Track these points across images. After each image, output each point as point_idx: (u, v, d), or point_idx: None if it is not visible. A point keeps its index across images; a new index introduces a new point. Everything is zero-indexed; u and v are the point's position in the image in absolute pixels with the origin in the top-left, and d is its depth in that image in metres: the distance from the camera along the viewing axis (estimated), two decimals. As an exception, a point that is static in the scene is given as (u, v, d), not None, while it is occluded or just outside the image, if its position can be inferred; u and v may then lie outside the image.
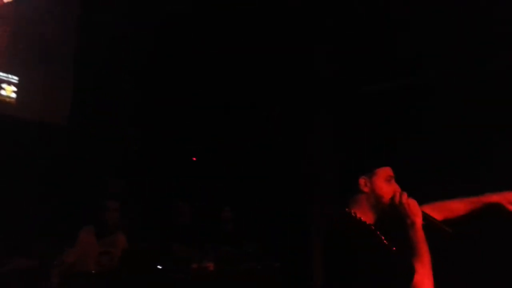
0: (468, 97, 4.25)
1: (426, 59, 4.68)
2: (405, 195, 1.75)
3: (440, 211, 1.88)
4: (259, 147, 5.83)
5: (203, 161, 6.16)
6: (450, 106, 4.42)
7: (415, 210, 1.72)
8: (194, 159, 6.26)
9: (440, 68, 4.65)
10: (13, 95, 4.85)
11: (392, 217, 1.78)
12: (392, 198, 1.76)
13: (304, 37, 5.25)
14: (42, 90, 5.04)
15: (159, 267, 3.89)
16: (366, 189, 1.78)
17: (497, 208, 1.87)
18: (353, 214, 1.77)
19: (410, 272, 1.63)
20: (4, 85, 4.79)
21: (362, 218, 1.77)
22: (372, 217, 1.79)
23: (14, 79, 4.87)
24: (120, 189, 4.89)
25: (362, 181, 1.78)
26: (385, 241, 1.73)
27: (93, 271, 3.71)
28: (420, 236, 1.69)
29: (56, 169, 4.89)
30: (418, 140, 4.53)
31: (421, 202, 1.79)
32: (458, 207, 1.92)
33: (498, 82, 4.17)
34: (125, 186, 5.00)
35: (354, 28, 4.95)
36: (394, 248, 1.72)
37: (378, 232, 1.76)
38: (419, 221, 1.71)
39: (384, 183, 1.79)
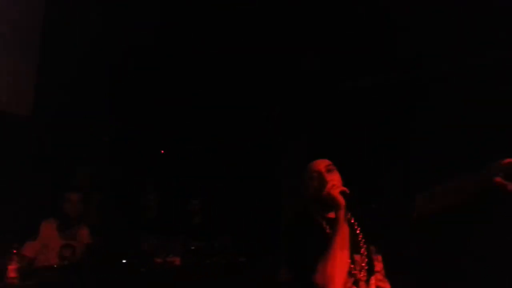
0: (462, 94, 4.24)
1: (415, 54, 4.66)
2: (334, 187, 1.81)
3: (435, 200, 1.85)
4: (230, 140, 5.80)
5: (172, 153, 6.09)
6: (444, 103, 4.40)
7: (340, 203, 1.76)
8: (162, 151, 6.19)
9: (433, 63, 4.64)
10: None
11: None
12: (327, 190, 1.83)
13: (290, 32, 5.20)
14: (5, 79, 4.87)
15: (123, 261, 3.83)
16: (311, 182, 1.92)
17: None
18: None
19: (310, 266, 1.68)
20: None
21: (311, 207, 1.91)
22: (322, 207, 1.90)
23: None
24: (88, 181, 4.80)
25: (285, 181, 1.99)
26: (327, 231, 1.82)
27: (55, 265, 3.64)
28: (338, 229, 1.74)
29: (23, 161, 4.76)
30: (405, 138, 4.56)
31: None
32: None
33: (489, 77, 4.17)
34: (93, 177, 4.90)
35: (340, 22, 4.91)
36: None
37: (324, 222, 1.87)
38: (341, 214, 1.76)
39: (312, 180, 1.91)
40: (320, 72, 5.35)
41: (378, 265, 1.84)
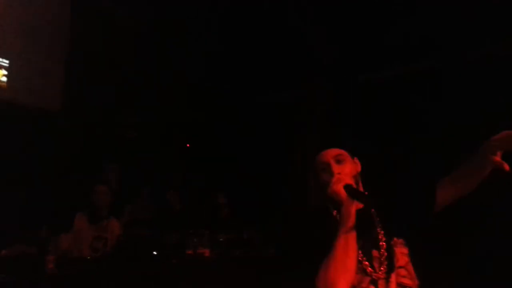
0: (474, 85, 4.17)
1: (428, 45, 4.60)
2: (338, 181, 1.61)
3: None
4: (255, 133, 5.83)
5: (198, 147, 6.14)
6: (455, 96, 4.34)
7: (341, 199, 1.58)
8: (188, 145, 6.24)
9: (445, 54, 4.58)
10: (4, 79, 4.76)
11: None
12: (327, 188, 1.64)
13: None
14: (33, 73, 4.95)
15: (154, 253, 3.88)
16: (321, 175, 1.73)
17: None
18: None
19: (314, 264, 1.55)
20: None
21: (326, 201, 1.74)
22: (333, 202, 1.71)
23: (5, 62, 4.78)
24: (116, 175, 4.87)
25: (310, 174, 1.82)
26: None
27: (88, 257, 3.72)
28: (341, 229, 1.56)
29: (53, 156, 4.85)
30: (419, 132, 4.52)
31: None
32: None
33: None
34: (120, 171, 4.97)
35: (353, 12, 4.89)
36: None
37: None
38: (344, 211, 1.58)
39: (319, 174, 1.73)
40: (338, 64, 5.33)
41: (402, 260, 1.63)
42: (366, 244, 1.62)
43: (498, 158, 1.43)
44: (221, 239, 4.37)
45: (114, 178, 4.83)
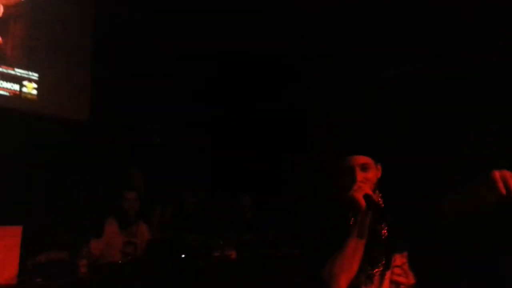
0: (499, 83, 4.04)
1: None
2: (359, 189, 1.68)
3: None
4: (279, 134, 5.87)
5: (221, 150, 6.23)
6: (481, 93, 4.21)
7: (360, 207, 1.65)
8: (212, 148, 6.34)
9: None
10: (34, 92, 4.96)
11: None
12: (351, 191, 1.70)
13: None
14: (61, 85, 5.14)
15: (182, 256, 3.98)
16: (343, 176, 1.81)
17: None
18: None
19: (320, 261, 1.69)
20: (25, 82, 4.90)
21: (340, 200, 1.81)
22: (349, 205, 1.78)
23: (34, 76, 4.97)
24: (142, 180, 5.00)
25: (329, 171, 1.90)
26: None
27: (119, 261, 3.84)
28: (354, 233, 1.68)
29: (80, 163, 5.02)
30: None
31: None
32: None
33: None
34: (146, 177, 5.10)
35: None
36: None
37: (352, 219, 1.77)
38: (360, 218, 1.70)
39: (341, 175, 1.80)
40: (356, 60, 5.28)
41: (399, 260, 1.78)
42: (368, 242, 1.72)
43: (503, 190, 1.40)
44: (246, 240, 4.45)
45: (141, 184, 4.97)
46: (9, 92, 4.76)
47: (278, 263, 4.27)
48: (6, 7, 4.79)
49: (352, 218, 1.76)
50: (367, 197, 1.66)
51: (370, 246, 1.73)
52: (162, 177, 5.62)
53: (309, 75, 5.63)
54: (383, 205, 1.78)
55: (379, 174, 1.85)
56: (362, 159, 1.78)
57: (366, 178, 1.76)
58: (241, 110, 6.09)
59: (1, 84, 4.70)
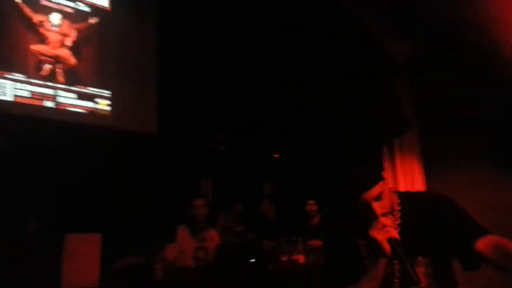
0: None
1: None
2: (383, 230, 1.52)
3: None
4: (341, 142, 5.84)
5: (286, 157, 6.29)
6: None
7: (384, 252, 1.51)
8: (277, 156, 6.42)
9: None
10: (108, 108, 5.27)
11: None
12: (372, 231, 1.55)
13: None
14: (131, 101, 5.43)
15: (252, 260, 4.07)
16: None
17: None
18: None
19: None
20: (98, 100, 5.22)
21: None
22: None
23: (107, 93, 5.29)
24: (211, 188, 5.16)
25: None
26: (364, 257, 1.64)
27: (192, 266, 3.98)
28: (371, 274, 1.56)
29: (152, 175, 5.26)
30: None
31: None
32: None
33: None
34: (216, 185, 5.26)
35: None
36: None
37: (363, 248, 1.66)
38: (381, 260, 1.55)
39: (362, 208, 1.61)
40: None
41: (423, 280, 1.56)
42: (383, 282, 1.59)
43: None
44: (313, 246, 4.46)
45: (208, 191, 5.13)
46: (85, 110, 5.10)
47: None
48: (78, 31, 5.15)
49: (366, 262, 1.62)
50: (391, 241, 1.50)
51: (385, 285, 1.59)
52: (228, 184, 5.77)
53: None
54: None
55: (388, 185, 1.66)
56: (375, 191, 1.58)
57: (384, 206, 1.58)
58: (304, 115, 6.11)
59: (77, 102, 5.04)
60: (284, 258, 4.21)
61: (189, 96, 5.74)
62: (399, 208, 1.69)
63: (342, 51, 5.28)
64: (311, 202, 5.07)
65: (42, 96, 4.78)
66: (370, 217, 1.55)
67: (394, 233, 1.52)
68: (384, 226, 1.52)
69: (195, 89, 5.78)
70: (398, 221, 1.64)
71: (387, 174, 1.73)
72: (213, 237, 4.23)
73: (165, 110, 5.59)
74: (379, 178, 1.61)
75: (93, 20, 5.31)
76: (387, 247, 1.49)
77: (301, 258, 4.23)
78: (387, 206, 1.59)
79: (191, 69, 5.72)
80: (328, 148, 5.81)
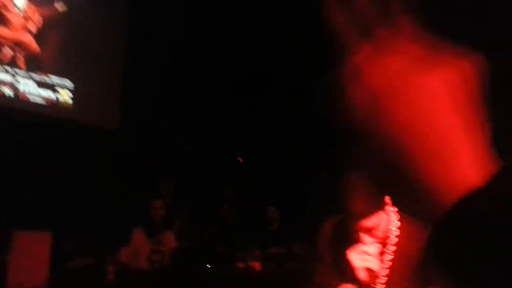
0: None
1: None
2: (362, 260, 1.39)
3: None
4: (305, 146, 5.85)
5: (249, 161, 6.26)
6: None
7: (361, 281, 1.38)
8: (241, 159, 6.37)
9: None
10: (70, 101, 5.10)
11: None
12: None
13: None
14: (95, 94, 5.27)
15: (208, 265, 4.01)
16: None
17: None
18: None
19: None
20: (60, 90, 5.05)
21: None
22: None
23: (69, 84, 5.12)
24: (171, 189, 5.05)
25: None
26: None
27: (145, 269, 3.89)
28: None
29: (111, 171, 5.12)
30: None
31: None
32: None
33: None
34: (176, 186, 5.16)
35: None
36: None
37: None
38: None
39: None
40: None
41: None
42: None
43: None
44: (272, 253, 4.44)
45: (168, 193, 5.01)
46: (46, 101, 4.91)
47: (303, 275, 4.24)
48: (44, 18, 4.96)
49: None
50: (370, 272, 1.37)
51: None
52: (190, 186, 5.68)
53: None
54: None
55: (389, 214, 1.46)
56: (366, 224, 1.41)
57: (374, 237, 1.41)
58: (266, 117, 6.06)
59: (39, 92, 4.85)
60: (240, 265, 4.16)
61: (154, 94, 5.61)
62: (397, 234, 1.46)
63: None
64: (272, 208, 5.05)
65: (0, 82, 4.58)
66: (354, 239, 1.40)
67: (374, 265, 1.37)
68: (364, 255, 1.38)
69: (162, 87, 5.66)
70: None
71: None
72: (170, 240, 4.15)
73: (129, 106, 5.46)
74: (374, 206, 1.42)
75: (60, 8, 5.12)
76: (362, 275, 1.36)
77: (257, 265, 4.19)
78: (379, 238, 1.41)
79: (159, 66, 5.60)
80: (297, 156, 5.82)
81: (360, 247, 1.39)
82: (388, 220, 1.43)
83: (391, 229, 1.47)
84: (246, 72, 5.89)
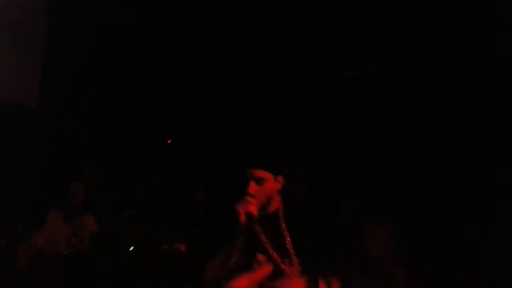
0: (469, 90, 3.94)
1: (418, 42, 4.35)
2: (239, 204, 1.81)
3: None
4: (235, 131, 5.83)
5: (178, 144, 6.15)
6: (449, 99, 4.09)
7: (239, 221, 1.79)
8: (169, 141, 6.25)
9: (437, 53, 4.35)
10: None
11: None
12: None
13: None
14: (11, 71, 4.98)
15: (130, 248, 3.94)
16: None
17: None
18: None
19: None
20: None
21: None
22: None
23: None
24: (94, 173, 4.89)
25: None
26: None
27: (64, 253, 3.77)
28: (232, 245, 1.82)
29: (30, 152, 4.89)
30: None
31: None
32: None
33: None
34: (98, 170, 5.00)
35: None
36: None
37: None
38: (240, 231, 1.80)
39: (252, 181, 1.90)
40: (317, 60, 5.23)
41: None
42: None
43: None
44: (197, 234, 4.42)
45: (92, 176, 4.85)
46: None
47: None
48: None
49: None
50: (248, 214, 1.73)
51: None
52: (117, 169, 5.52)
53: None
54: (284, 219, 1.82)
55: (278, 187, 1.86)
56: (257, 173, 1.85)
57: (259, 191, 1.82)
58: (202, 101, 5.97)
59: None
60: (165, 247, 4.12)
61: (80, 73, 5.37)
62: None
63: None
64: (199, 191, 5.02)
65: None
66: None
67: (253, 209, 1.75)
68: (247, 201, 1.78)
69: (87, 70, 5.41)
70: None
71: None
72: (90, 223, 4.04)
73: (51, 86, 5.20)
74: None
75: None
76: (242, 217, 1.75)
77: (182, 247, 4.17)
78: (260, 192, 1.81)
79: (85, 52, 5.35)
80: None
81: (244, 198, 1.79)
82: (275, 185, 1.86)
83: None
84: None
